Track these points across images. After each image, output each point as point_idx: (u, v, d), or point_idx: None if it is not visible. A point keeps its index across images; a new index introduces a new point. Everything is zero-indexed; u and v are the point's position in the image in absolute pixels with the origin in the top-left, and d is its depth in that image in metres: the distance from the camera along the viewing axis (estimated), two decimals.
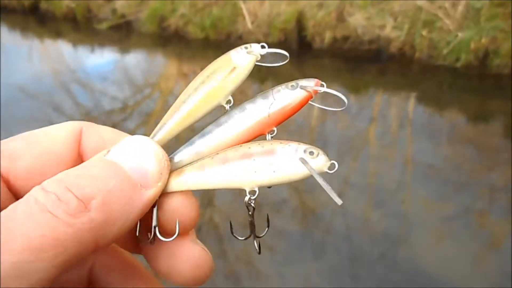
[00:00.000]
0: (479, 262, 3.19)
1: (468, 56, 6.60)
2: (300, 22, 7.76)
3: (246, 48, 0.51)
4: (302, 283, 3.04)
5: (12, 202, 0.39)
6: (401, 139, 5.03)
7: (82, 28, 10.26)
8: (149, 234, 0.48)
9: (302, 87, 0.48)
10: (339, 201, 0.41)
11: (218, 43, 8.13)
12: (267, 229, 0.54)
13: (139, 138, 0.46)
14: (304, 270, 3.12)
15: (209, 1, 8.66)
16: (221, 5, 8.57)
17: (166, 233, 0.47)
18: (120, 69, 7.91)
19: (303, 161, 0.42)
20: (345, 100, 0.48)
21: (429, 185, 4.00)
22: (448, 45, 6.79)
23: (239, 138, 0.48)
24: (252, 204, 0.48)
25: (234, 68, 0.50)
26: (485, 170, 4.33)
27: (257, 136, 0.50)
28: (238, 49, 0.52)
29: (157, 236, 0.47)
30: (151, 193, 0.43)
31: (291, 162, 0.43)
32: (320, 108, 0.51)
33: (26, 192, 0.40)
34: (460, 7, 6.89)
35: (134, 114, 5.65)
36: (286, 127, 5.19)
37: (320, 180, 0.41)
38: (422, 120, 5.47)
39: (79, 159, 0.49)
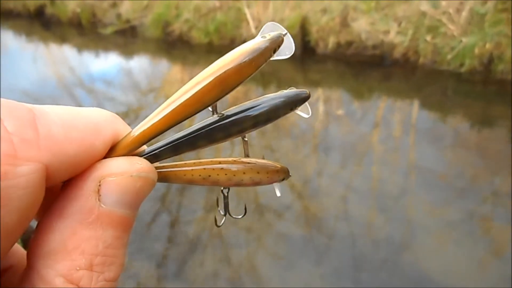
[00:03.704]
0: (483, 268, 3.17)
1: (472, 62, 6.60)
2: (304, 27, 7.79)
3: (274, 52, 0.43)
4: None
5: None
6: (404, 144, 5.02)
7: (87, 32, 10.33)
8: None
9: (295, 110, 0.48)
10: (279, 194, 0.51)
11: (222, 48, 8.15)
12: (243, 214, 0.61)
13: (138, 177, 0.40)
14: (307, 275, 3.11)
15: (213, 6, 8.69)
16: (225, 10, 8.61)
17: None
18: (125, 73, 7.94)
19: (275, 185, 0.51)
20: (306, 116, 0.50)
21: (432, 191, 3.99)
22: (452, 51, 6.79)
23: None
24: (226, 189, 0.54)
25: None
26: (489, 175, 4.32)
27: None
28: (267, 56, 0.43)
29: None
30: None
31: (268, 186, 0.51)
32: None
33: None
34: (464, 13, 6.89)
35: (138, 118, 5.67)
36: (290, 132, 5.20)
37: (275, 186, 0.52)
38: (425, 126, 5.46)
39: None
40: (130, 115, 5.78)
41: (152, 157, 0.45)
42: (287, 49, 0.45)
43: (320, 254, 3.29)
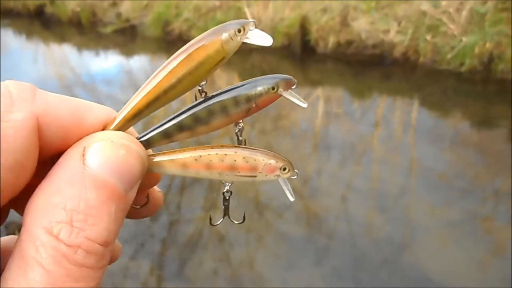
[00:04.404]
0: (483, 268, 3.17)
1: (472, 61, 6.59)
2: (304, 26, 7.78)
3: (239, 31, 0.48)
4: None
5: None
6: (404, 143, 5.02)
7: (87, 32, 10.32)
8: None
9: (281, 92, 0.50)
10: (291, 198, 0.52)
11: None
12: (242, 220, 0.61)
13: (119, 143, 0.43)
14: (307, 275, 3.11)
15: (213, 6, 8.69)
16: (225, 9, 8.60)
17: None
18: (125, 72, 7.94)
19: (278, 176, 0.50)
20: (304, 106, 0.51)
21: (432, 190, 3.99)
22: (452, 50, 6.79)
23: (214, 129, 0.51)
24: (229, 190, 0.55)
25: (223, 58, 0.48)
26: (489, 175, 4.31)
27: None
28: (231, 33, 0.47)
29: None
30: (134, 190, 0.44)
31: (268, 177, 0.51)
32: (287, 98, 0.51)
33: None
34: (465, 12, 6.88)
35: None
36: (291, 131, 5.20)
37: (284, 186, 0.51)
38: (426, 125, 5.46)
39: (38, 153, 0.43)
40: None
41: (144, 143, 0.48)
42: (262, 37, 0.49)
43: (320, 254, 3.29)
